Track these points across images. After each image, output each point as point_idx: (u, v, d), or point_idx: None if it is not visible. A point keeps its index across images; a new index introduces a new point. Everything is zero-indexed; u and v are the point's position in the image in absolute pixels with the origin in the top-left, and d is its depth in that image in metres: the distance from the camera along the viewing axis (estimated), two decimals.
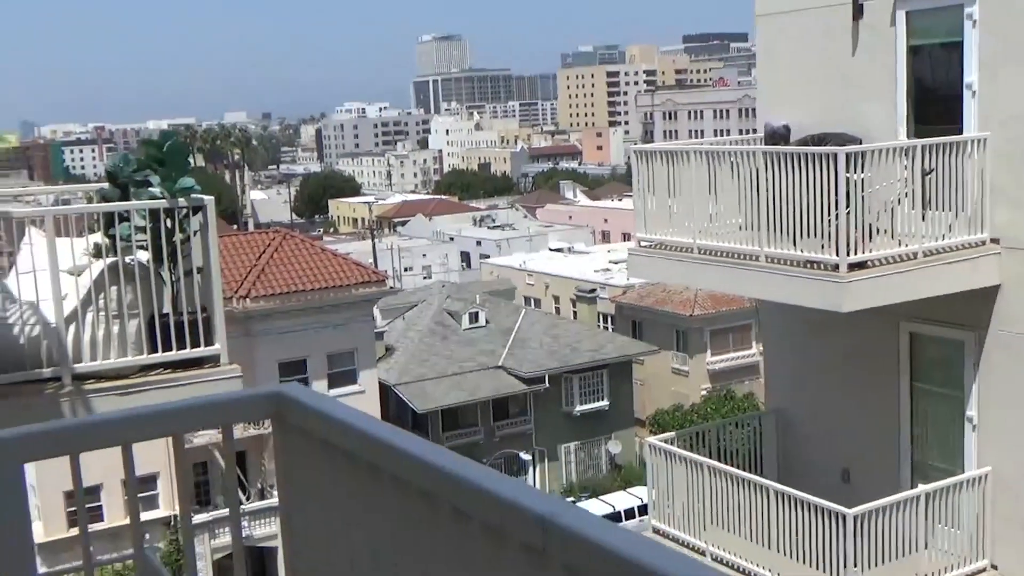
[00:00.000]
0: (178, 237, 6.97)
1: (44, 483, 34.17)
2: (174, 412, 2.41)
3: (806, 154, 10.27)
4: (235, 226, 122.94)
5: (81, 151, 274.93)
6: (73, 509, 34.52)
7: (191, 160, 7.35)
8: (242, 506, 35.90)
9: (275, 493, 29.46)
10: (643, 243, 12.04)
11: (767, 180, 10.50)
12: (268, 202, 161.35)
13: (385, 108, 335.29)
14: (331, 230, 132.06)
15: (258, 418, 2.46)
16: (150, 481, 34.15)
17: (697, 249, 11.29)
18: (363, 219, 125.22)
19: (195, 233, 7.11)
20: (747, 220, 10.94)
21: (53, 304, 6.64)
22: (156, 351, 6.94)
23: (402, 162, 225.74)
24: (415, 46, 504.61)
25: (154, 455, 33.37)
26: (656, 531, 12.68)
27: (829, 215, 10.06)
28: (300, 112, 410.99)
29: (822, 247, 10.03)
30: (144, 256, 7.02)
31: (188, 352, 7.00)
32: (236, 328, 35.40)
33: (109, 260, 6.84)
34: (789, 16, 12.51)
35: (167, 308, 7.07)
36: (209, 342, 7.09)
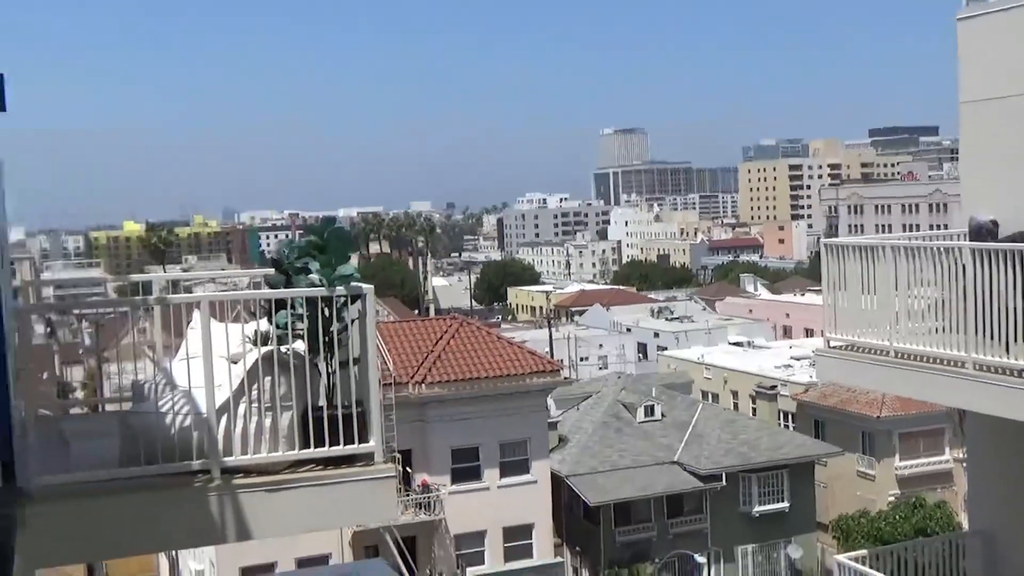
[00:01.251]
0: (335, 326, 6.63)
1: (222, 560, 34.78)
2: None
3: (1018, 251, 9.26)
4: (416, 311, 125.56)
5: (276, 236, 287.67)
6: None
7: (352, 248, 7.05)
8: None
9: None
10: (833, 344, 11.15)
11: (975, 279, 9.52)
12: (449, 288, 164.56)
13: (566, 199, 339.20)
14: (509, 317, 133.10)
15: None
16: (321, 562, 34.24)
17: (894, 352, 10.33)
18: (541, 308, 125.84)
19: (353, 322, 6.75)
20: (950, 322, 9.95)
21: (205, 393, 6.36)
22: (308, 446, 6.56)
23: (581, 252, 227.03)
24: (597, 139, 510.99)
25: (326, 539, 33.53)
26: None
27: None
28: (483, 202, 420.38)
29: None
30: (301, 346, 6.69)
31: (341, 449, 6.59)
32: (410, 413, 35.54)
33: (264, 349, 6.53)
34: (996, 103, 11.55)
35: (322, 401, 6.70)
36: (364, 439, 6.67)
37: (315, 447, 6.56)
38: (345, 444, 6.60)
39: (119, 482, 6.18)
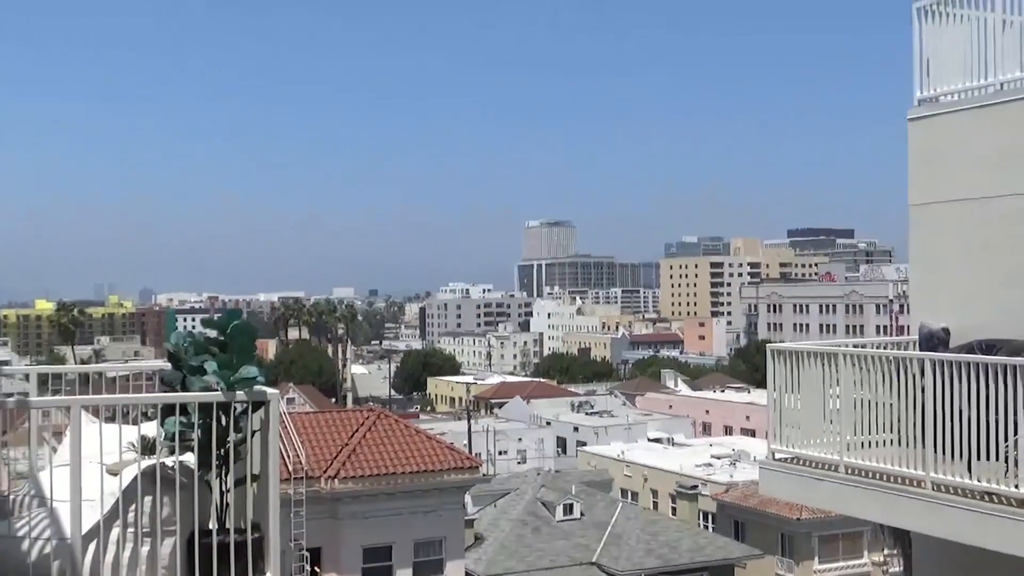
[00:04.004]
0: (232, 437, 5.68)
1: None
2: None
3: (978, 363, 8.68)
4: (334, 399, 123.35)
5: (193, 319, 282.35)
6: None
7: (256, 345, 6.11)
8: None
9: None
10: (778, 456, 10.42)
11: (933, 392, 8.90)
12: (368, 377, 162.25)
13: (489, 290, 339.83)
14: (428, 408, 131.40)
15: None
16: None
17: (844, 468, 9.63)
18: (461, 398, 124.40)
19: (254, 434, 5.82)
20: (906, 436, 9.30)
21: (71, 514, 5.35)
22: None
23: (503, 343, 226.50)
24: (522, 230, 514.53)
25: None
26: None
27: (1007, 439, 8.40)
28: (406, 290, 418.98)
29: (1005, 475, 8.32)
30: (191, 459, 5.73)
31: None
32: (322, 509, 34.01)
33: (145, 463, 5.56)
34: (947, 206, 11.10)
35: (212, 525, 5.72)
36: (259, 570, 5.69)
37: None
38: None
39: None
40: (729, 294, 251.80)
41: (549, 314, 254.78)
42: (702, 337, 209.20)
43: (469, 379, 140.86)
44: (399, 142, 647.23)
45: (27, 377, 9.07)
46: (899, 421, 9.44)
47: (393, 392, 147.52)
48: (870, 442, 9.75)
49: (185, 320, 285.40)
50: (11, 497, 6.59)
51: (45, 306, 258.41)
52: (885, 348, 10.88)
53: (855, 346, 10.49)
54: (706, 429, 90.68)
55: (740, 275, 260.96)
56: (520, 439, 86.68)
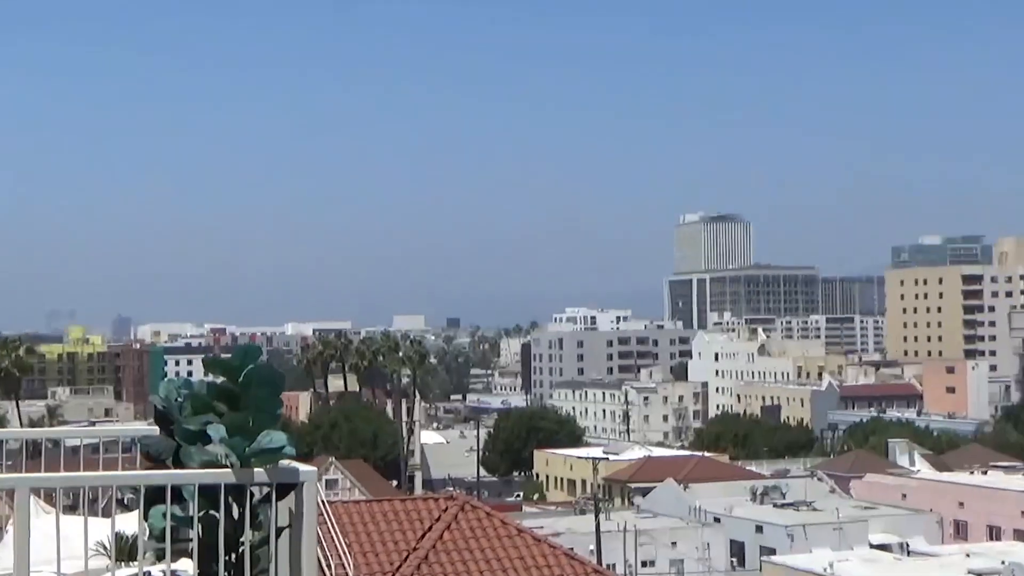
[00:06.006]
0: (248, 537, 5.73)
1: None
2: None
3: None
4: (395, 482, 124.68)
5: (190, 362, 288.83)
6: None
7: (282, 400, 6.17)
8: None
9: None
10: None
11: None
12: (446, 448, 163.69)
13: (625, 318, 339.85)
14: (536, 495, 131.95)
15: None
16: None
17: None
18: (584, 481, 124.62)
19: (281, 531, 5.86)
20: None
21: None
22: None
23: (647, 399, 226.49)
24: (674, 229, 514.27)
25: None
26: None
27: None
28: (501, 320, 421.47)
29: None
30: (188, 568, 5.81)
31: None
32: None
33: (122, 573, 5.66)
34: None
35: None
36: None
37: None
38: None
39: None
40: (993, 323, 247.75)
41: (716, 354, 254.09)
42: (951, 390, 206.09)
43: (597, 452, 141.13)
44: (466, 116, 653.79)
45: None
46: None
47: (483, 471, 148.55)
48: None
49: (179, 363, 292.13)
50: None
51: None
52: None
53: None
54: (960, 531, 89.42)
55: (1009, 294, 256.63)
56: (674, 543, 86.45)
